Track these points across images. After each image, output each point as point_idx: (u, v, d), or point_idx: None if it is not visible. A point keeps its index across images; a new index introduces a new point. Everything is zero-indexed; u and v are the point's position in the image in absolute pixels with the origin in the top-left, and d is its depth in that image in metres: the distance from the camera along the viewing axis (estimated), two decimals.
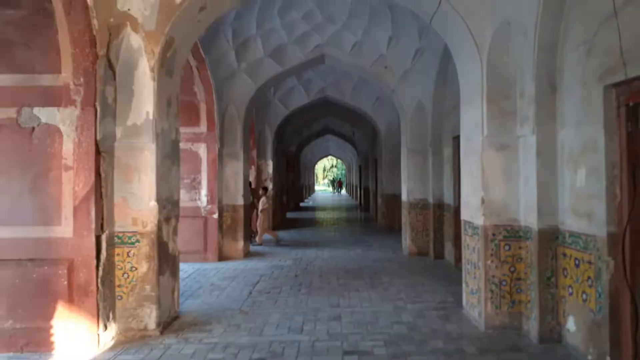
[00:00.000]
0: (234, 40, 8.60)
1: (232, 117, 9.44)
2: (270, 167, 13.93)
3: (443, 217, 8.95)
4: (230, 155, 9.51)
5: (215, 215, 9.05)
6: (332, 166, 65.62)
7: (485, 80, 4.88)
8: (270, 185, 13.97)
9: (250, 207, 10.40)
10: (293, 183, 22.29)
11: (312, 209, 24.67)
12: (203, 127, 9.11)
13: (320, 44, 9.11)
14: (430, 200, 9.13)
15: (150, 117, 4.93)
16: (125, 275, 4.91)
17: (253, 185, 12.98)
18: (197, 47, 8.12)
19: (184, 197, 9.06)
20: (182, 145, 9.20)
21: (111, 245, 4.84)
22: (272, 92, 13.28)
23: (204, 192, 9.09)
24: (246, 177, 9.92)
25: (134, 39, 4.86)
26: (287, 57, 9.31)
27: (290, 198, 21.60)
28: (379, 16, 8.34)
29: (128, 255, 4.93)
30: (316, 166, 48.77)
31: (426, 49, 8.60)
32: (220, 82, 9.07)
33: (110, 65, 4.79)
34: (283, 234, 13.23)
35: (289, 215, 18.94)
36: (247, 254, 9.80)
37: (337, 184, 51.37)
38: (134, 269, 4.91)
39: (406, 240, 9.61)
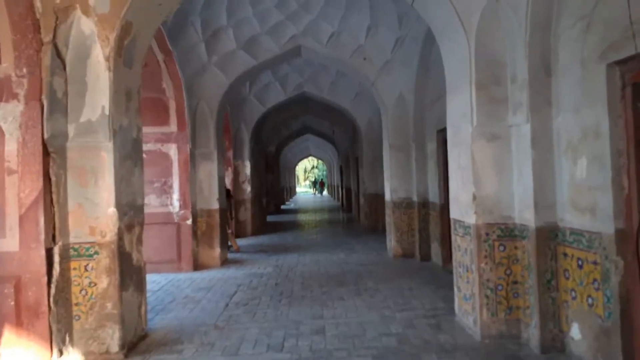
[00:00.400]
0: (203, 31, 8.09)
1: (204, 115, 8.91)
2: (247, 168, 13.41)
3: (428, 216, 8.59)
4: (203, 156, 8.98)
5: (189, 221, 8.51)
6: (313, 167, 65.20)
7: (473, 65, 4.49)
8: (248, 188, 13.44)
9: (226, 212, 9.87)
10: (273, 185, 21.78)
11: (294, 211, 24.18)
12: (173, 126, 8.56)
13: (295, 35, 8.66)
14: (415, 198, 8.76)
15: (106, 112, 4.41)
16: (83, 292, 4.38)
17: (230, 188, 12.45)
18: (164, 39, 7.59)
19: (154, 202, 8.51)
20: (151, 146, 8.68)
21: (66, 258, 4.30)
22: (247, 88, 12.78)
23: (175, 196, 8.54)
24: (221, 178, 9.40)
25: (85, 24, 4.33)
26: (260, 49, 8.83)
27: (270, 200, 21.07)
28: (357, 3, 7.93)
29: (86, 269, 4.39)
30: (297, 167, 48.28)
31: (407, 37, 8.23)
32: (190, 77, 8.53)
33: (59, 54, 4.25)
34: (263, 239, 12.72)
35: (270, 218, 18.44)
36: (225, 262, 9.27)
37: (319, 184, 51.00)
38: (92, 284, 4.38)
39: (391, 242, 9.22)
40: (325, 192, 48.01)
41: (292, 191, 40.71)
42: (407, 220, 9.01)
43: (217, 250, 8.96)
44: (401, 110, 8.98)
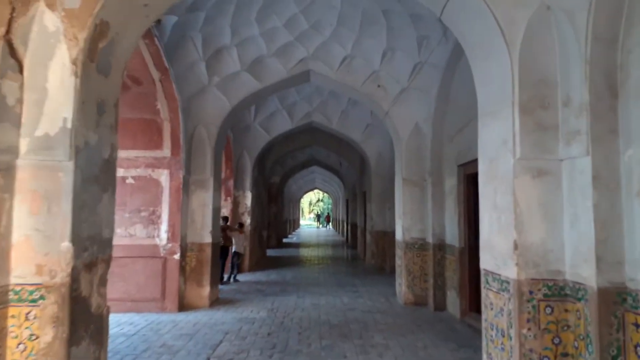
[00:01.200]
0: (204, 48, 7.42)
1: (202, 140, 8.17)
2: (248, 199, 12.58)
3: (445, 261, 7.65)
4: (198, 184, 8.18)
5: (177, 256, 7.63)
6: (318, 200, 64.33)
7: (517, 84, 3.69)
8: (247, 220, 12.57)
9: (219, 245, 8.96)
10: (275, 217, 20.90)
11: (296, 245, 23.17)
12: (166, 151, 7.81)
13: (305, 58, 7.99)
14: (430, 239, 7.85)
15: (68, 125, 3.60)
16: (22, 347, 3.47)
17: (229, 220, 11.60)
18: (160, 54, 6.92)
19: (140, 233, 7.68)
20: (140, 171, 7.91)
21: (3, 303, 3.43)
22: (252, 115, 12.11)
23: (164, 227, 7.70)
24: (216, 209, 8.56)
25: (50, 19, 3.59)
26: (267, 72, 8.15)
27: (271, 233, 20.15)
28: (373, 24, 7.25)
29: (27, 318, 3.50)
30: (302, 200, 47.44)
31: (426, 63, 7.52)
32: (187, 99, 7.83)
33: (13, 52, 3.49)
34: (260, 276, 11.75)
35: (270, 252, 17.46)
36: (215, 302, 8.32)
37: (324, 218, 50.13)
38: (34, 337, 3.48)
39: (401, 287, 8.25)
40: (330, 226, 47.00)
41: (295, 224, 39.72)
42: (420, 264, 8.07)
43: (207, 289, 8.03)
44: (417, 142, 8.19)
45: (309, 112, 12.41)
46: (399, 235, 8.50)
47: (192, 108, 7.99)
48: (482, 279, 4.31)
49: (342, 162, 17.61)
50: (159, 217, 7.73)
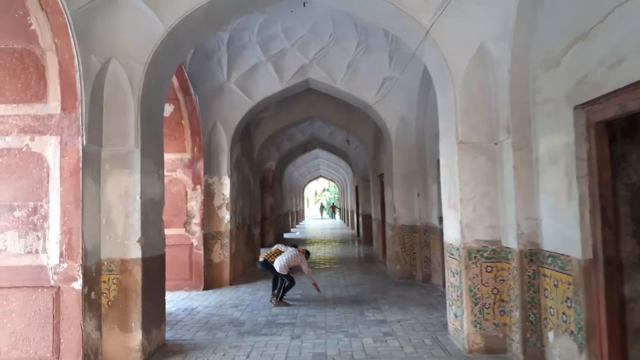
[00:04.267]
0: None
1: (118, 84, 4.89)
2: (226, 187, 9.30)
3: (541, 281, 4.35)
4: (115, 161, 4.93)
5: (78, 284, 4.43)
6: (324, 190, 61.07)
7: None
8: (226, 216, 9.30)
9: (161, 258, 5.64)
10: (273, 209, 17.66)
11: (299, 241, 19.94)
12: (53, 104, 4.56)
13: None
14: (513, 243, 4.55)
15: None
16: None
17: (201, 214, 8.37)
18: None
19: (13, 247, 4.50)
20: (10, 141, 4.68)
21: None
22: (225, 72, 8.81)
23: (54, 235, 4.48)
24: (153, 202, 5.29)
25: None
26: None
27: (268, 229, 16.92)
28: None
29: None
30: (306, 189, 44.17)
31: None
32: (85, 12, 4.53)
33: None
34: (243, 294, 8.50)
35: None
36: (155, 354, 5.10)
37: (330, 208, 46.98)
38: None
39: (461, 321, 4.98)
40: (337, 217, 43.79)
41: (299, 216, 36.50)
42: (494, 284, 4.78)
43: (137, 336, 4.81)
44: (482, 77, 4.87)
45: (303, 66, 9.12)
46: (452, 235, 5.21)
47: (96, 29, 4.70)
48: None
49: (349, 139, 14.27)
50: (45, 218, 4.49)
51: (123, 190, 4.90)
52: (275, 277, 7.58)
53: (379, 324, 6.04)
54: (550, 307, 4.23)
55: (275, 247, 7.83)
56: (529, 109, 4.48)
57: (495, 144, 4.86)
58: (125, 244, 4.86)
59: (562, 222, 3.98)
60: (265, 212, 16.96)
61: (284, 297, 7.46)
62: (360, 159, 16.90)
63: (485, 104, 4.90)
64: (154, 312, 5.16)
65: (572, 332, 3.88)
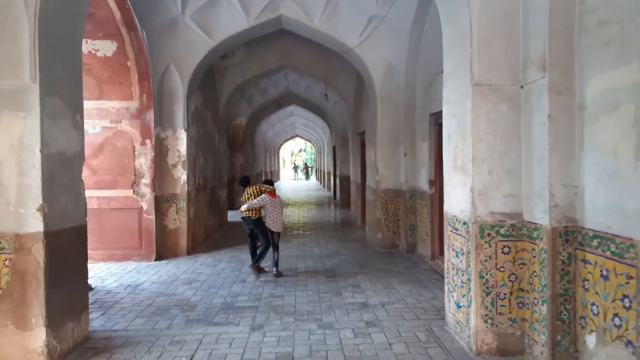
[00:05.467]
0: None
1: None
2: (182, 142, 7.94)
3: (580, 268, 3.29)
4: (1, 100, 3.55)
5: None
6: (300, 150, 59.64)
7: None
8: (182, 176, 7.98)
9: (80, 231, 4.32)
10: (244, 170, 16.32)
11: None
12: None
13: None
14: (541, 218, 3.44)
15: None
16: None
17: (151, 173, 7.08)
18: None
19: None
20: None
21: None
22: (178, 3, 7.30)
23: None
24: (67, 158, 3.95)
25: None
26: None
27: (238, 191, 15.62)
28: None
29: None
30: (282, 149, 42.70)
31: None
32: None
33: None
34: (202, 266, 7.31)
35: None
36: (67, 355, 3.90)
37: (303, 169, 45.97)
38: None
39: (466, 314, 3.91)
40: (313, 178, 42.75)
41: (274, 176, 35.23)
42: (513, 269, 3.71)
43: (39, 335, 3.59)
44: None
45: (274, 0, 7.65)
46: (457, 206, 4.07)
47: None
48: None
49: (327, 93, 12.90)
50: None
51: (16, 141, 3.55)
52: (252, 236, 6.64)
53: (359, 309, 4.98)
54: (593, 304, 3.18)
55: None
56: (574, 37, 3.27)
57: (522, 86, 3.67)
58: (20, 213, 3.55)
59: (622, 191, 2.87)
60: (235, 172, 15.65)
61: (260, 261, 6.61)
62: (339, 116, 15.58)
63: (510, 33, 3.67)
64: (68, 302, 3.92)
65: (630, 342, 2.84)
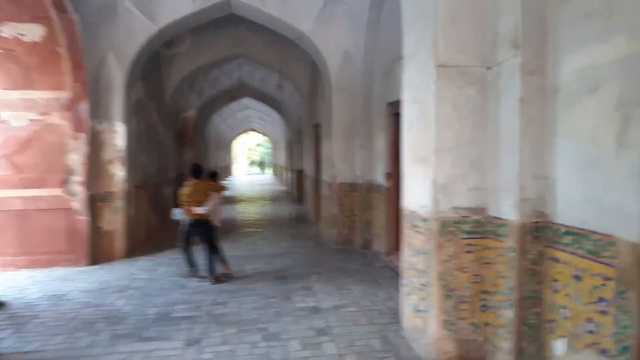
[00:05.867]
0: None
1: None
2: (120, 136, 7.20)
3: (545, 264, 2.98)
4: None
5: None
6: (257, 144, 58.62)
7: None
8: (120, 171, 7.26)
9: None
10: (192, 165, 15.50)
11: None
12: None
13: None
14: (511, 213, 3.11)
15: None
16: None
17: (85, 170, 6.33)
18: None
19: None
20: None
21: None
22: None
23: None
24: None
25: None
26: None
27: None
28: None
29: None
30: (237, 143, 41.67)
31: None
32: None
33: None
34: (138, 270, 6.66)
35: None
36: None
37: (257, 164, 45.60)
38: None
39: (429, 317, 3.55)
40: (269, 172, 42.14)
41: (227, 172, 34.32)
42: (476, 269, 3.37)
43: None
44: None
45: None
46: (417, 201, 3.69)
47: None
48: None
49: (282, 84, 12.37)
50: None
51: None
52: (187, 239, 5.98)
53: (310, 315, 4.54)
54: (563, 307, 2.87)
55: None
56: (548, 11, 2.94)
57: (488, 68, 3.32)
58: None
59: (601, 183, 2.56)
60: (183, 167, 14.84)
61: (217, 268, 5.95)
62: (294, 109, 15.08)
63: (479, 7, 3.31)
64: None
65: (604, 351, 2.53)
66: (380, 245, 7.25)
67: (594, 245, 2.59)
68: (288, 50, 10.25)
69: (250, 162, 48.09)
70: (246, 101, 19.06)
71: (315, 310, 4.69)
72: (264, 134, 35.69)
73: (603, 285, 2.55)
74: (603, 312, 2.55)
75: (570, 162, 2.80)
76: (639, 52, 2.24)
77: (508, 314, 3.15)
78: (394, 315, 4.43)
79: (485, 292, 3.39)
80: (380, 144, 7.01)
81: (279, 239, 8.84)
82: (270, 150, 47.36)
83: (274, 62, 10.93)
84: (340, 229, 7.95)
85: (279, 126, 23.98)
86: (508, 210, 3.12)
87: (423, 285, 3.60)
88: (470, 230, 3.37)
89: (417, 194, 3.68)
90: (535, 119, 2.96)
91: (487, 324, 3.41)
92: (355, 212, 7.84)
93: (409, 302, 3.91)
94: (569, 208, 2.82)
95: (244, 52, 10.72)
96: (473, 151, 3.32)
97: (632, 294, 2.34)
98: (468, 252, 3.37)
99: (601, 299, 2.56)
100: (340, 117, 7.75)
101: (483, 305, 3.41)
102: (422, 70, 3.52)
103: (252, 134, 39.15)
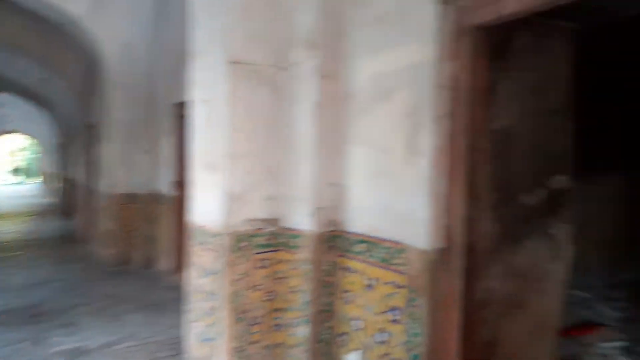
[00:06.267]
0: None
1: None
2: None
3: (339, 275, 2.88)
4: None
5: None
6: (22, 149, 49.43)
7: None
8: None
9: None
10: None
11: None
12: None
13: None
14: (306, 223, 2.91)
15: None
16: None
17: None
18: None
19: None
20: None
21: None
22: None
23: None
24: None
25: None
26: None
27: None
28: None
29: None
30: None
31: None
32: None
33: None
34: None
35: None
36: None
37: (22, 171, 38.99)
38: None
39: (218, 346, 3.08)
40: (36, 181, 35.89)
41: None
42: (270, 286, 3.07)
43: None
44: None
45: None
46: (206, 214, 3.20)
47: None
48: None
49: (50, 76, 10.39)
50: None
51: None
52: None
53: None
54: (356, 319, 2.78)
55: None
56: (345, 13, 2.86)
57: (284, 68, 3.10)
58: None
59: (392, 190, 2.53)
60: None
61: None
62: (65, 107, 12.89)
63: (274, 5, 3.06)
64: None
65: None
66: (166, 263, 6.50)
67: (386, 252, 2.55)
68: (57, 39, 8.62)
69: (14, 170, 40.42)
70: (3, 97, 15.67)
71: (78, 352, 3.75)
72: (31, 137, 30.14)
73: (395, 293, 2.51)
74: (395, 321, 2.51)
75: (363, 169, 2.75)
76: (429, 59, 2.26)
77: (302, 331, 2.93)
78: (178, 346, 3.84)
79: (278, 309, 3.12)
80: (167, 150, 6.32)
81: (37, 265, 7.19)
82: (39, 155, 40.38)
83: (38, 52, 9.08)
84: (118, 247, 6.89)
85: (50, 128, 20.45)
86: (302, 220, 2.92)
87: (212, 309, 3.14)
88: (265, 243, 3.06)
89: (207, 206, 3.20)
90: (331, 125, 2.84)
91: (279, 345, 3.14)
92: (136, 227, 6.90)
93: (195, 330, 3.38)
94: (362, 216, 2.76)
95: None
96: (268, 157, 3.03)
97: (422, 301, 2.34)
98: (262, 267, 3.06)
99: (393, 308, 2.52)
100: (119, 117, 6.76)
101: (276, 325, 3.13)
102: (214, 67, 3.10)
103: (15, 135, 32.78)
